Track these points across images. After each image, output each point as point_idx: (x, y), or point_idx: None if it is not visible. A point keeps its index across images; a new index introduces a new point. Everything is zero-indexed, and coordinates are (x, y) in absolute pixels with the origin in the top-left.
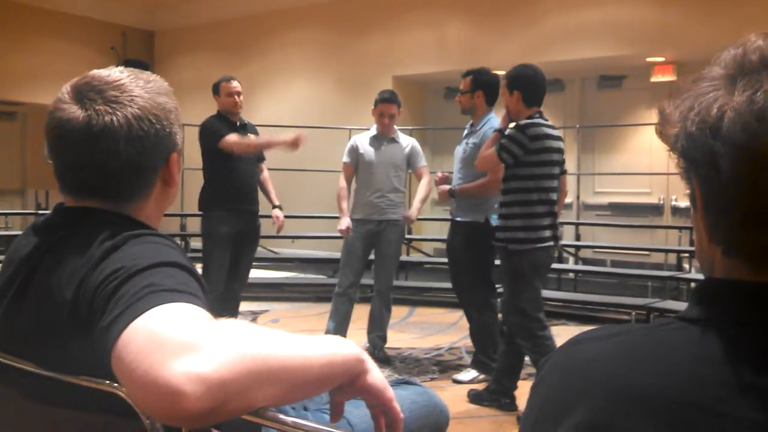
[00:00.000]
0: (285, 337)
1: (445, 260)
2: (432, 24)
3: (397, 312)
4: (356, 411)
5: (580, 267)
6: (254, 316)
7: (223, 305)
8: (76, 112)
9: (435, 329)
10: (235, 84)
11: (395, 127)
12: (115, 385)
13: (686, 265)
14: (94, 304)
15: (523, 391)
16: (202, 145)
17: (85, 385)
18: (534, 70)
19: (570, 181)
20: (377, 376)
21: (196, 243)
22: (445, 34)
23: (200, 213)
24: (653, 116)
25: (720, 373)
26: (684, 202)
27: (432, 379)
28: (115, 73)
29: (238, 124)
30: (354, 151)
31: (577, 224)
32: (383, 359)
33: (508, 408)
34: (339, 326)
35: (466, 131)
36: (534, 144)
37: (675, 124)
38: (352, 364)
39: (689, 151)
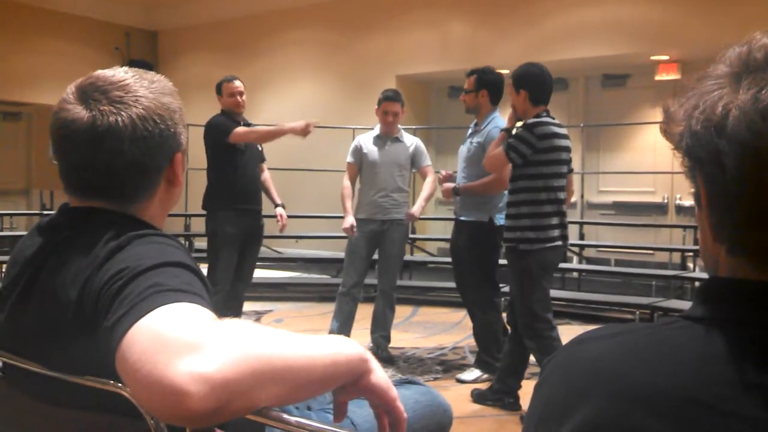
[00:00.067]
0: (289, 337)
1: (449, 260)
2: (434, 23)
3: (401, 311)
4: (360, 411)
5: (584, 266)
6: (258, 315)
7: (227, 305)
8: (80, 112)
9: (438, 329)
10: (237, 84)
11: (399, 126)
12: (120, 385)
13: (690, 264)
14: (99, 304)
15: (526, 391)
16: (209, 143)
17: (89, 385)
18: (540, 68)
19: (574, 180)
20: (381, 375)
21: (201, 243)
22: (447, 33)
23: (204, 213)
24: (657, 115)
25: (724, 372)
26: (688, 201)
27: (435, 379)
28: (120, 73)
29: (241, 123)
30: (358, 151)
31: (581, 223)
32: (387, 359)
33: (511, 407)
34: (343, 326)
35: (470, 130)
36: (542, 143)
37: (679, 122)
38: (356, 363)
39: (694, 150)
